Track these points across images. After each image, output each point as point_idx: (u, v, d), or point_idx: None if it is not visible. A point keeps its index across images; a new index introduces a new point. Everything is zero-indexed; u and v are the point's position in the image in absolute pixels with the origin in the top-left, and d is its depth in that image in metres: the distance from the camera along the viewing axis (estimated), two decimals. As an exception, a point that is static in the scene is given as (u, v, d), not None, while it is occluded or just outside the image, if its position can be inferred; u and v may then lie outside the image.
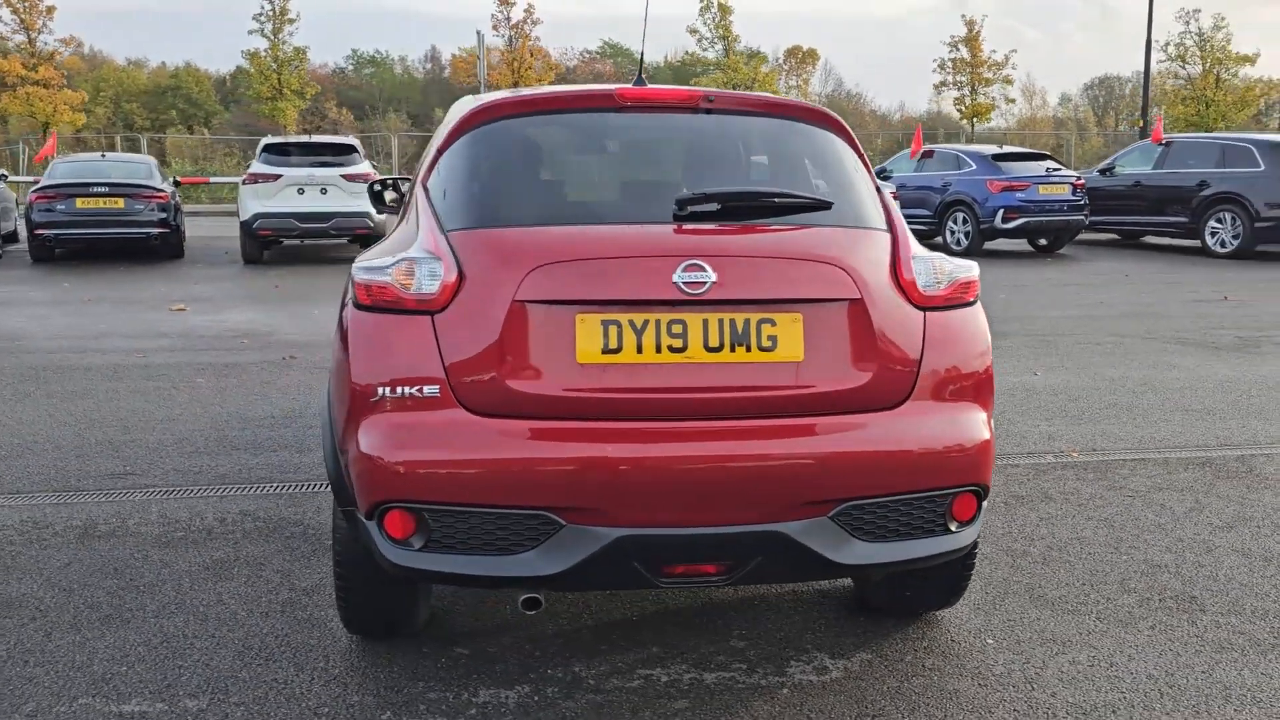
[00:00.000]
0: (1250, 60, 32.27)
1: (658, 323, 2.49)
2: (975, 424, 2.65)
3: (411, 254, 2.59)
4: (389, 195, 4.31)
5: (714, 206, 2.65)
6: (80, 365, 7.04)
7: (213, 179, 25.23)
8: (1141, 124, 29.06)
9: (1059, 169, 15.50)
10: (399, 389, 2.50)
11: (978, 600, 3.31)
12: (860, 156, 3.03)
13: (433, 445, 2.46)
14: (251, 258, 13.41)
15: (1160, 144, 15.75)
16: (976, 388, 2.71)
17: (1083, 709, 2.68)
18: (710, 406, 2.50)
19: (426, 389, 2.49)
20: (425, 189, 2.91)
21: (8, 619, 3.19)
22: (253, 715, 2.66)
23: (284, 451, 5.01)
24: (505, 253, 2.56)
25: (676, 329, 2.50)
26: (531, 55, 30.73)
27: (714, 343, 2.50)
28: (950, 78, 32.83)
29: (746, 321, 2.51)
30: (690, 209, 2.64)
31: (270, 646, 3.02)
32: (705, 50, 32.69)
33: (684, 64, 62.87)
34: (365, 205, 13.25)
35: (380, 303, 2.58)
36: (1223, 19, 32.81)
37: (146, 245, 13.53)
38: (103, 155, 16.27)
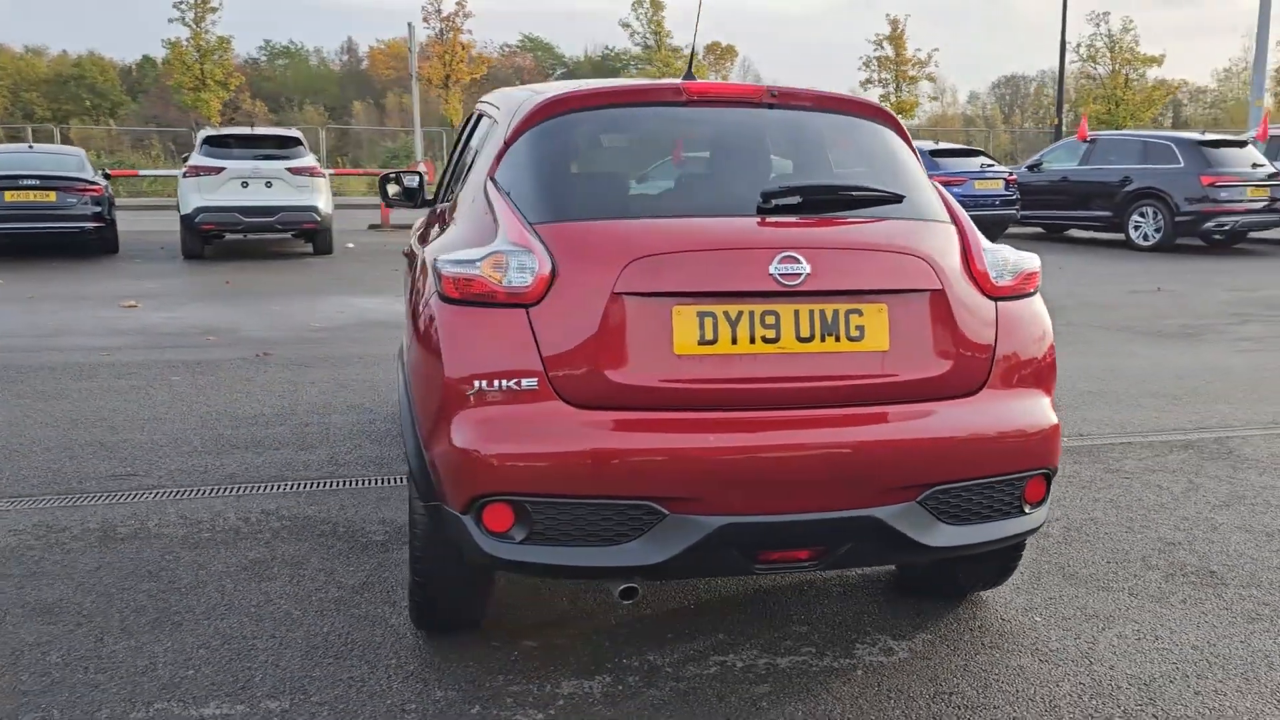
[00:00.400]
0: (1157, 61, 33.68)
1: (751, 314, 2.54)
2: (1044, 410, 2.77)
3: (500, 247, 2.59)
4: (392, 189, 4.32)
5: (795, 200, 2.71)
6: (44, 365, 6.78)
7: (141, 172, 24.35)
8: (1057, 122, 30.08)
9: (993, 165, 15.98)
10: (496, 382, 2.51)
11: (1015, 580, 3.43)
12: (913, 150, 3.12)
13: (535, 437, 2.47)
14: (192, 252, 13.02)
15: (1085, 141, 16.33)
16: (1041, 374, 2.82)
17: (1143, 680, 2.82)
18: (802, 396, 2.56)
19: (524, 382, 2.50)
20: (494, 181, 2.90)
21: (52, 625, 3.10)
22: (338, 714, 2.64)
23: (286, 449, 4.92)
24: (601, 246, 2.59)
25: (769, 320, 2.55)
26: (463, 49, 30.41)
27: (805, 333, 2.56)
28: (875, 75, 33.63)
29: (835, 312, 2.58)
30: (775, 202, 2.69)
31: (336, 645, 2.99)
32: (637, 45, 32.79)
33: (604, 59, 62.85)
34: (311, 199, 13.01)
35: (469, 296, 2.58)
36: (1131, 21, 34.13)
37: (80, 240, 13.04)
38: (30, 146, 15.60)
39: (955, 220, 2.91)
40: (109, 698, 2.70)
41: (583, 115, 2.97)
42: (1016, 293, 2.82)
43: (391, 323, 8.63)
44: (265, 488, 4.37)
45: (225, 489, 4.35)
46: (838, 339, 2.58)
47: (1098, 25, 33.72)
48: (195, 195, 12.61)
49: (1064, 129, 28.15)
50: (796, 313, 2.56)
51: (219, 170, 12.64)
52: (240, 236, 13.96)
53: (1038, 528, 2.81)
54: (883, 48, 33.63)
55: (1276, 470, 4.67)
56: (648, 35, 32.22)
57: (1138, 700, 2.72)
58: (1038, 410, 2.75)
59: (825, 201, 2.76)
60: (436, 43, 30.59)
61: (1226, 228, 14.77)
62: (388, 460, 4.78)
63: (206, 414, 5.56)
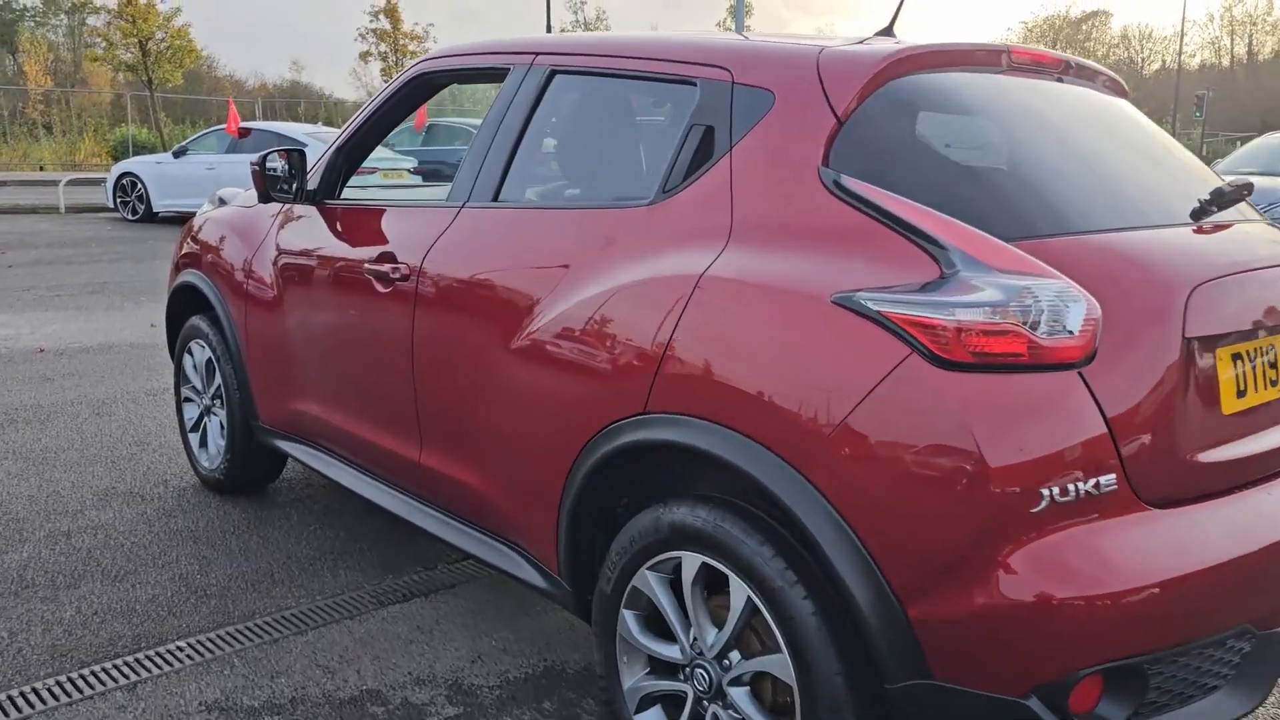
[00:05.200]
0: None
1: (1259, 350, 1.96)
2: None
3: (1016, 280, 1.68)
4: (273, 163, 3.11)
5: (1216, 206, 2.13)
6: None
7: None
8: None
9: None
10: (1071, 487, 1.63)
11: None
12: None
13: (1148, 565, 1.67)
14: None
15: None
16: None
17: None
18: None
19: (1103, 481, 1.65)
20: (844, 175, 1.87)
21: None
22: None
23: (91, 583, 3.12)
24: (1155, 271, 1.82)
25: (1270, 357, 1.98)
26: None
27: None
28: (375, 48, 32.26)
29: None
30: (1214, 208, 2.11)
31: None
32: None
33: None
34: None
35: (987, 358, 1.64)
36: (604, 12, 36.83)
37: None
38: None
39: None
40: None
41: (924, 81, 2.06)
42: None
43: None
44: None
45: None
46: None
47: (576, 13, 35.89)
48: None
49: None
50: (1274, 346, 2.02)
51: None
52: None
53: None
54: (380, 20, 32.42)
55: None
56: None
57: None
58: None
59: (1229, 204, 2.20)
60: None
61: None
62: (278, 575, 3.23)
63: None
